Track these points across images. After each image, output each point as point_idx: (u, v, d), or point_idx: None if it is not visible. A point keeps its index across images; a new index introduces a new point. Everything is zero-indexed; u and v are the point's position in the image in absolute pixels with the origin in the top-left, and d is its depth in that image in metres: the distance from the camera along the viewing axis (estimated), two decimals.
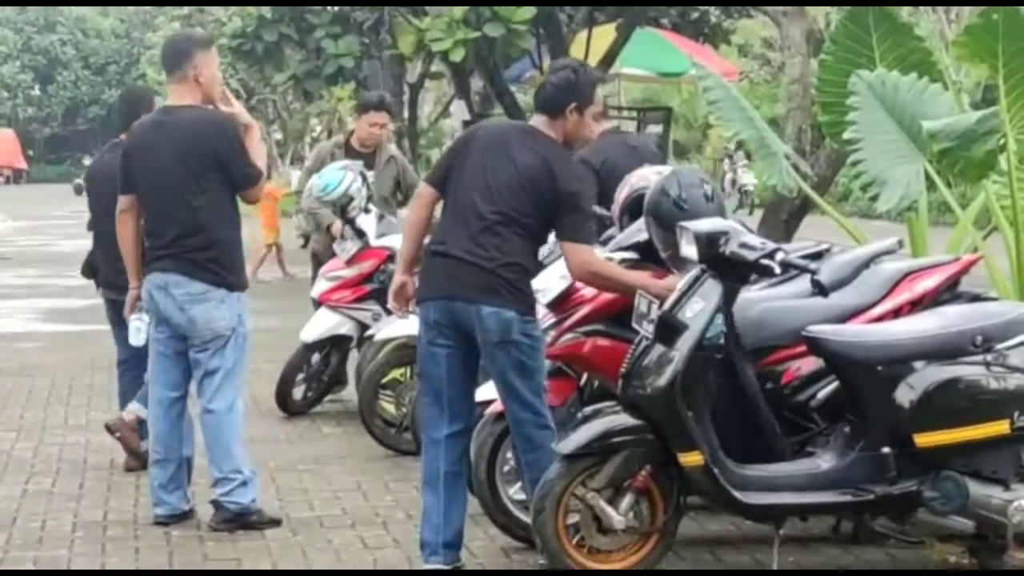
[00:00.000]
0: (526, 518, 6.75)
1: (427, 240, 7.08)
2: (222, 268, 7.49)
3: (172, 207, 7.49)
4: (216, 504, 7.50)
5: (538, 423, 6.60)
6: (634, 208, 7.34)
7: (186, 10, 23.97)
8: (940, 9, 28.06)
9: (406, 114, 24.17)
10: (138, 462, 8.43)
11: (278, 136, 44.85)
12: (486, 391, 7.25)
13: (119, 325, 8.50)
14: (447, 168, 6.84)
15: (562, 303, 7.18)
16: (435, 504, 6.61)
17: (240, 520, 7.49)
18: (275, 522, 7.59)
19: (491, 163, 6.65)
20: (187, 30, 20.37)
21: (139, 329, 7.88)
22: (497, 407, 7.08)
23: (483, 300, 6.50)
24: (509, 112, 20.91)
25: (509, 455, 7.06)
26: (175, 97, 7.65)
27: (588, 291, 7.09)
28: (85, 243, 9.11)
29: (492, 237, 6.53)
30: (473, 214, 6.58)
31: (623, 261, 7.18)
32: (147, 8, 39.21)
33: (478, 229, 6.54)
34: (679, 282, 6.49)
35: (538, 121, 6.81)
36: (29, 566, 6.81)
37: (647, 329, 6.42)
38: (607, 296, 7.01)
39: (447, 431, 6.64)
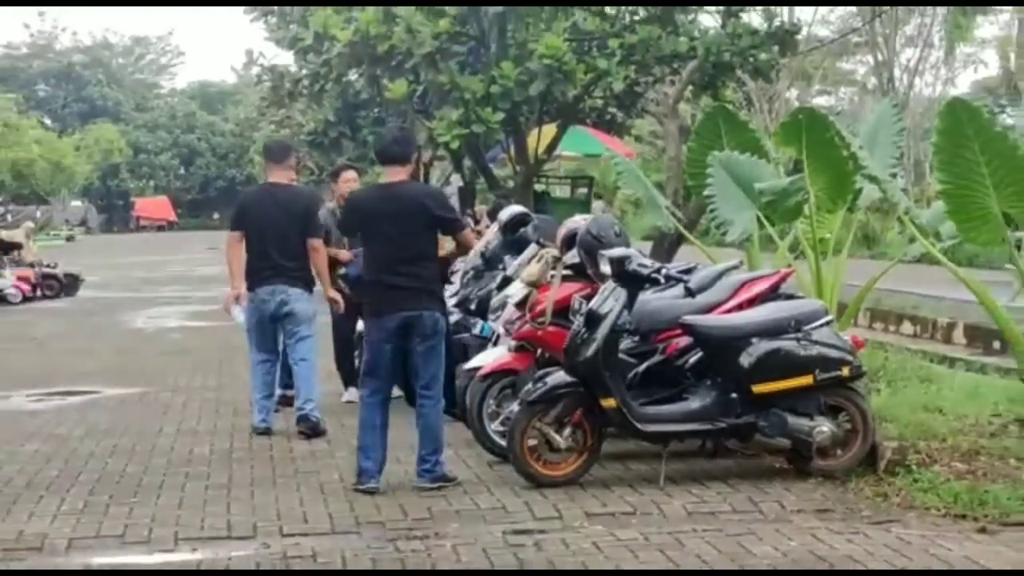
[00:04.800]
0: (502, 443, 6.78)
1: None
2: (309, 282, 8.06)
3: (279, 243, 7.95)
4: (305, 417, 7.91)
5: (433, 395, 6.45)
6: (569, 241, 7.44)
7: (279, 117, 24.02)
8: (765, 110, 28.43)
9: (420, 180, 24.46)
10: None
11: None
12: (474, 361, 7.37)
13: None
14: (354, 227, 6.93)
15: (524, 304, 7.24)
16: (375, 444, 6.43)
17: (318, 428, 7.89)
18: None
19: (385, 222, 6.40)
20: (284, 138, 20.98)
21: (241, 316, 8.26)
22: (485, 370, 7.15)
23: (424, 307, 6.36)
24: (488, 180, 21.16)
25: (491, 401, 7.11)
26: (278, 177, 8.17)
27: (543, 296, 7.13)
28: (215, 269, 8.96)
29: (412, 267, 6.37)
30: (393, 257, 6.39)
31: (565, 276, 7.28)
32: (252, 115, 39.16)
33: (401, 264, 6.37)
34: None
35: (393, 172, 6.49)
36: (181, 479, 6.84)
37: (579, 320, 6.55)
38: (556, 297, 7.07)
39: (382, 396, 6.49)
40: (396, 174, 6.51)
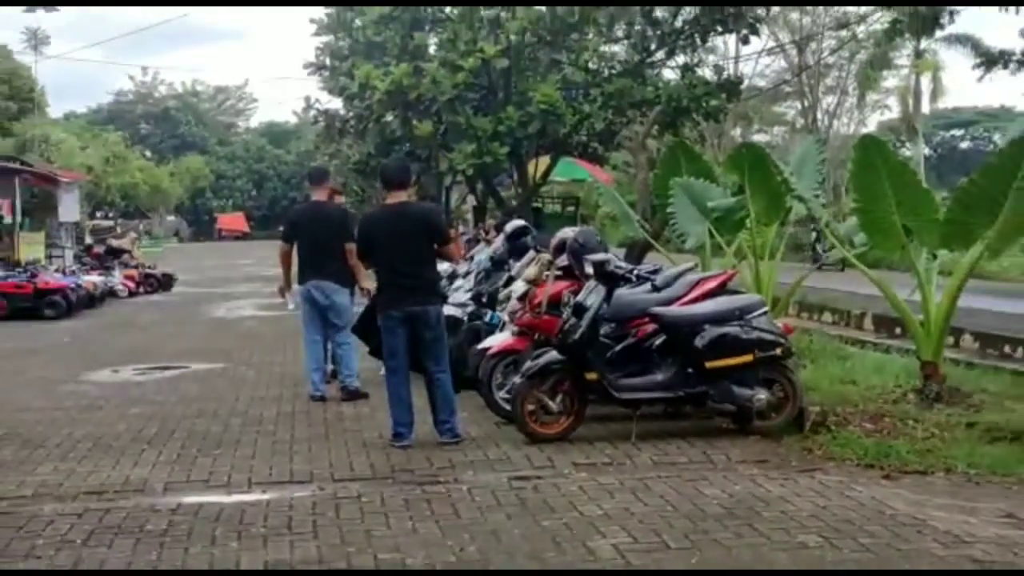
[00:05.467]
0: (507, 407, 6.76)
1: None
2: (345, 278, 7.92)
3: (324, 250, 7.85)
4: (346, 387, 7.92)
5: (444, 370, 6.39)
6: (560, 248, 7.45)
7: (331, 150, 24.01)
8: (715, 145, 28.31)
9: (443, 201, 24.46)
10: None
11: None
12: (485, 343, 7.34)
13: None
14: (370, 243, 6.43)
15: (525, 297, 7.26)
16: (403, 412, 6.39)
17: (356, 395, 7.87)
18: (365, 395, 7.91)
19: (392, 235, 6.27)
20: (323, 163, 20.73)
21: (292, 304, 8.33)
22: (493, 350, 7.10)
23: (428, 303, 6.32)
24: (496, 200, 21.15)
25: (498, 374, 7.06)
26: (318, 196, 8.06)
27: (540, 291, 7.11)
28: (280, 271, 8.52)
29: (417, 270, 6.28)
30: (401, 262, 6.28)
31: (557, 276, 7.25)
32: (310, 148, 37.36)
33: (409, 268, 6.25)
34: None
35: (397, 195, 6.38)
36: (254, 436, 6.79)
37: (568, 311, 6.54)
38: (550, 292, 7.03)
39: (403, 373, 6.41)
40: (399, 196, 6.40)
